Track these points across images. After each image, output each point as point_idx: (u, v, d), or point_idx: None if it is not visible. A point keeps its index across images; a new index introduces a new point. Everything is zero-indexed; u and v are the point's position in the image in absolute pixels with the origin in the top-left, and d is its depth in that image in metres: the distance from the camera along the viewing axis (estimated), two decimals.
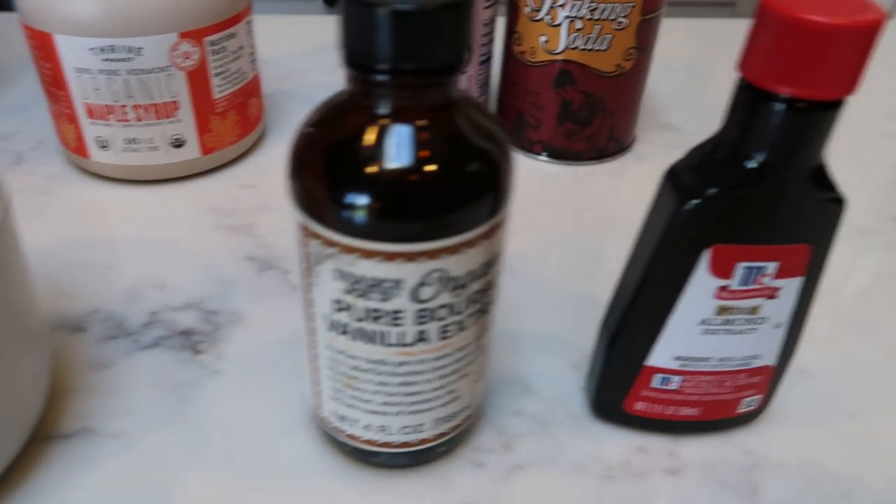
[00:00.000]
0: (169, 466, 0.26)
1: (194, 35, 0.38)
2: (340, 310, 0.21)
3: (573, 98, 0.43)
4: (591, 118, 0.43)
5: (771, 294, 0.23)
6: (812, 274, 0.23)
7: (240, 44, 0.41)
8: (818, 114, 0.20)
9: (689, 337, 0.25)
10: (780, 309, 0.24)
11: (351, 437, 0.25)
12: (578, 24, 0.40)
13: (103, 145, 0.40)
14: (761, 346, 0.25)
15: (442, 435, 0.25)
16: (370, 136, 0.19)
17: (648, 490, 0.26)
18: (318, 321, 0.22)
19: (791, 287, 0.23)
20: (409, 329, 0.21)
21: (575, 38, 0.40)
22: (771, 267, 0.23)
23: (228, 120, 0.42)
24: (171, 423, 0.28)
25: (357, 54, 0.18)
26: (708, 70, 0.59)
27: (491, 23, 0.43)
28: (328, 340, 0.22)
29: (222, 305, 0.33)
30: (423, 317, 0.21)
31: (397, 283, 0.20)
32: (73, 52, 0.37)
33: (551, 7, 0.40)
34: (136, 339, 0.31)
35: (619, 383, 0.27)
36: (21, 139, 0.46)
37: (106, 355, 0.30)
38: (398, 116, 0.19)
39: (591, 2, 0.39)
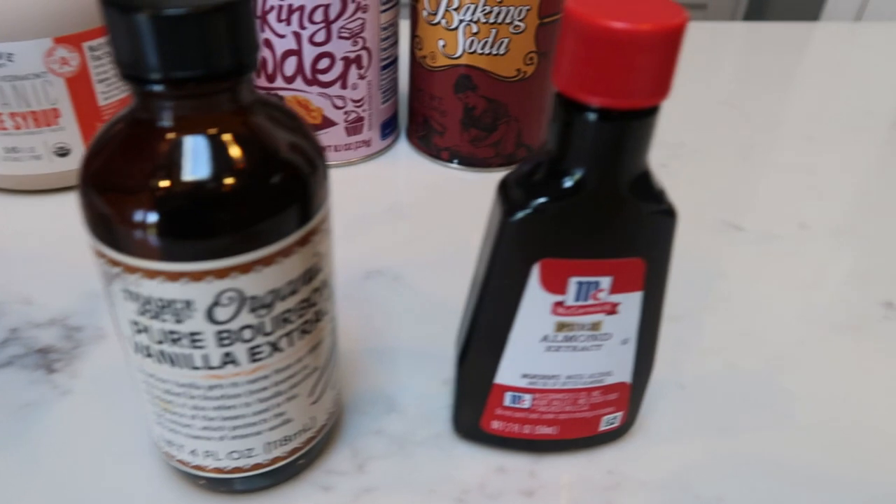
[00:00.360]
0: (1, 492, 0.25)
1: (71, 40, 0.36)
2: (139, 332, 0.20)
3: (475, 104, 0.42)
4: (495, 124, 0.43)
5: (610, 310, 0.23)
6: (652, 288, 0.22)
7: None
8: (632, 122, 0.19)
9: (533, 354, 0.24)
10: (623, 324, 0.23)
11: (181, 462, 0.24)
12: (474, 28, 0.39)
13: None
14: (611, 363, 0.24)
15: (278, 459, 0.24)
16: (145, 151, 0.18)
17: None
18: (126, 343, 0.21)
19: (631, 302, 0.23)
20: (213, 351, 0.20)
21: (472, 43, 0.40)
22: (605, 282, 0.22)
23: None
24: (9, 445, 0.26)
25: (126, 65, 0.17)
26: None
27: (391, 26, 0.42)
28: (138, 363, 0.21)
29: (88, 321, 0.32)
30: (225, 339, 0.20)
31: (188, 304, 0.19)
32: None
33: (446, 10, 0.39)
34: None
35: (473, 401, 0.26)
36: None
37: None
38: (179, 128, 0.18)
39: (485, 5, 0.38)
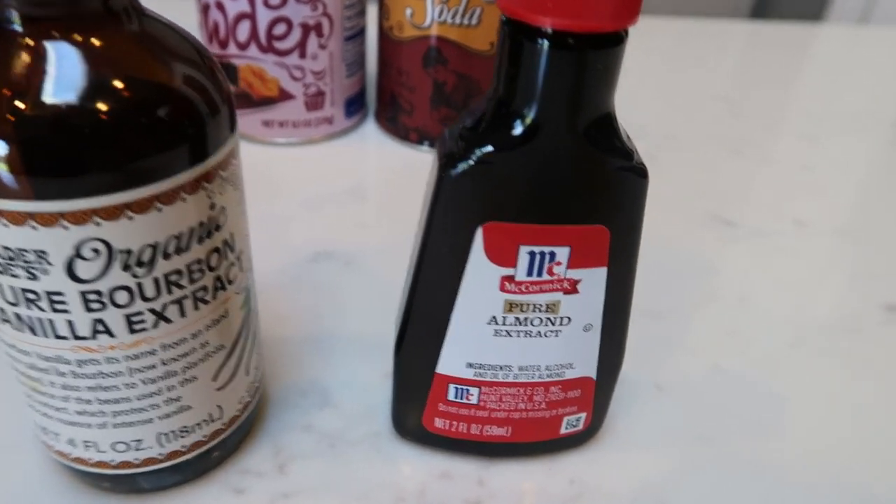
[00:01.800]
0: None
1: None
2: None
3: (446, 79, 0.38)
4: (467, 102, 0.39)
5: (570, 288, 0.19)
6: (618, 263, 0.19)
7: None
8: (592, 52, 0.16)
9: (479, 339, 0.20)
10: (585, 307, 0.20)
11: (59, 454, 0.20)
12: None
13: None
14: (572, 354, 0.21)
15: (177, 454, 0.20)
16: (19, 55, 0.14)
17: None
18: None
19: (594, 280, 0.19)
20: (80, 317, 0.16)
21: (442, 12, 0.36)
22: (562, 253, 0.18)
23: None
24: None
25: None
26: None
27: None
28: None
29: None
30: (94, 301, 0.16)
31: (41, 256, 0.15)
32: None
33: None
34: None
35: (413, 395, 0.22)
36: None
37: None
38: (26, 32, 0.14)
39: None
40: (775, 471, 0.24)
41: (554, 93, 0.16)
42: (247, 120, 0.40)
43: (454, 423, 0.22)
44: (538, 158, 0.17)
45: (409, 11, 0.37)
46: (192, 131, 0.16)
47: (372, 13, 0.42)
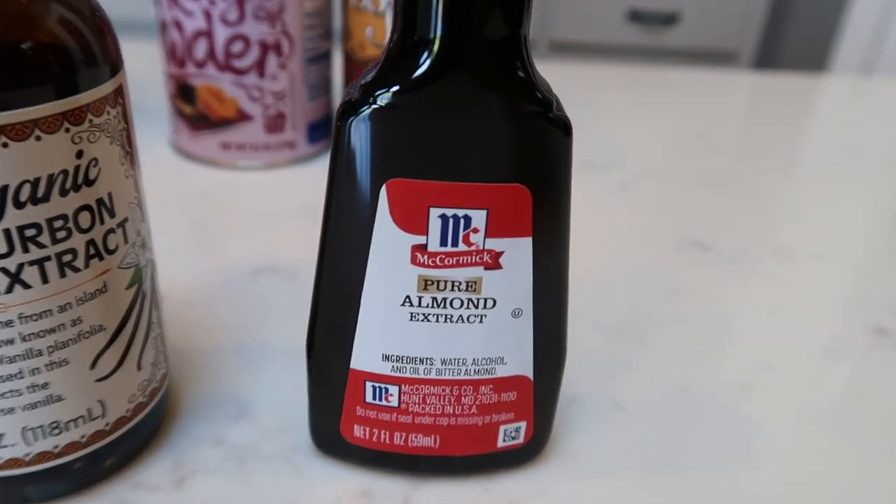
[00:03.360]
0: None
1: None
2: None
3: None
4: None
5: (491, 262, 0.17)
6: (545, 233, 0.17)
7: None
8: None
9: (395, 324, 0.18)
10: (511, 287, 0.17)
11: None
12: None
13: None
14: (502, 346, 0.18)
15: (47, 457, 0.18)
16: None
17: None
18: None
19: (518, 252, 0.17)
20: None
21: None
22: (479, 217, 0.16)
23: None
24: None
25: None
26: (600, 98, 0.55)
27: (319, 14, 0.38)
28: None
29: None
30: None
31: None
32: None
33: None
34: None
35: (328, 397, 0.20)
36: None
37: None
38: None
39: None
40: (746, 500, 0.21)
41: (454, 19, 0.15)
42: (205, 143, 0.39)
43: (374, 430, 0.20)
44: (443, 103, 0.15)
45: (369, 31, 0.36)
46: (54, 62, 0.14)
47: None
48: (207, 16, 0.35)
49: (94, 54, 0.15)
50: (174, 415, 0.22)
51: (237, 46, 0.36)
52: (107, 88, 0.16)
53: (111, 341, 0.18)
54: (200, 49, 0.36)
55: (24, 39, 0.14)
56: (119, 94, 0.16)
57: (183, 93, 0.38)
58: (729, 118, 0.55)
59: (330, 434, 0.20)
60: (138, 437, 0.20)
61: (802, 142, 0.51)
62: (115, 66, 0.16)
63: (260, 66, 0.37)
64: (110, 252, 0.17)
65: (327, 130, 0.42)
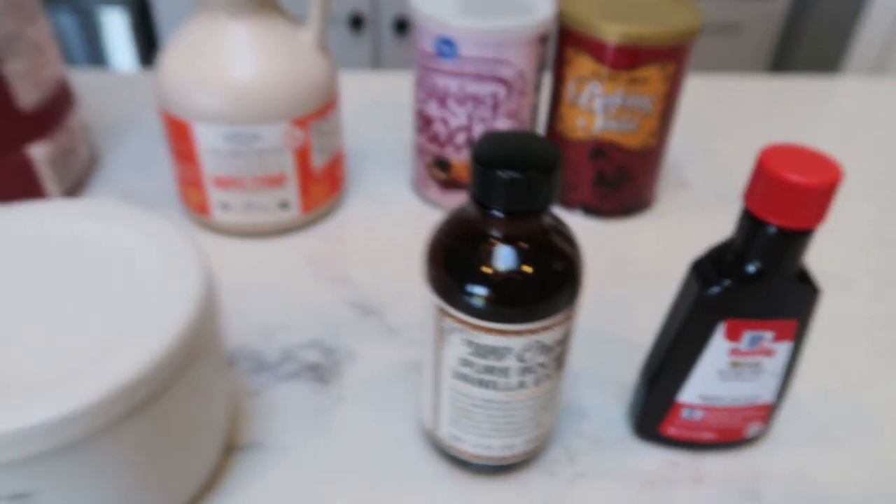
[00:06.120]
0: (316, 472, 0.35)
1: (301, 122, 0.47)
2: (465, 365, 0.30)
3: (607, 169, 0.52)
4: (620, 185, 0.52)
5: (769, 353, 0.32)
6: (798, 339, 0.32)
7: (333, 123, 0.50)
8: (797, 237, 0.29)
9: (710, 382, 0.33)
10: (775, 363, 0.33)
11: (461, 451, 0.34)
12: (612, 111, 0.49)
13: (224, 207, 0.49)
14: (762, 390, 0.34)
15: (527, 452, 0.34)
16: (488, 250, 0.28)
17: (679, 494, 0.35)
18: (445, 371, 0.31)
19: (783, 348, 0.32)
20: (514, 379, 0.30)
21: (608, 122, 0.49)
22: (769, 335, 0.32)
23: (322, 184, 0.51)
24: (315, 438, 0.37)
25: (480, 198, 0.27)
26: (721, 126, 0.68)
27: (536, 107, 0.52)
28: (452, 385, 0.31)
29: (337, 344, 0.42)
30: (524, 371, 0.30)
31: (508, 350, 0.29)
32: (206, 137, 0.46)
33: (590, 98, 0.49)
34: (275, 371, 0.40)
35: (656, 414, 0.36)
36: (143, 195, 0.55)
37: (255, 385, 0.39)
38: (506, 238, 0.28)
39: (625, 95, 0.48)
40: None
41: (773, 255, 0.29)
42: (452, 198, 0.53)
43: (682, 430, 0.36)
44: (761, 287, 0.30)
45: (582, 121, 0.50)
46: (578, 282, 0.29)
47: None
48: (470, 117, 0.49)
49: (580, 270, 0.30)
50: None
51: None
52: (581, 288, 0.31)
53: (558, 393, 0.34)
54: (460, 138, 0.50)
55: (562, 275, 0.29)
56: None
57: (439, 164, 0.52)
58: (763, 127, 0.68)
59: (651, 431, 0.36)
60: (548, 436, 0.36)
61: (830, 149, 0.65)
62: (583, 269, 0.31)
63: None
64: (568, 353, 0.32)
65: None
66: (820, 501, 0.35)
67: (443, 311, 0.29)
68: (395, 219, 0.54)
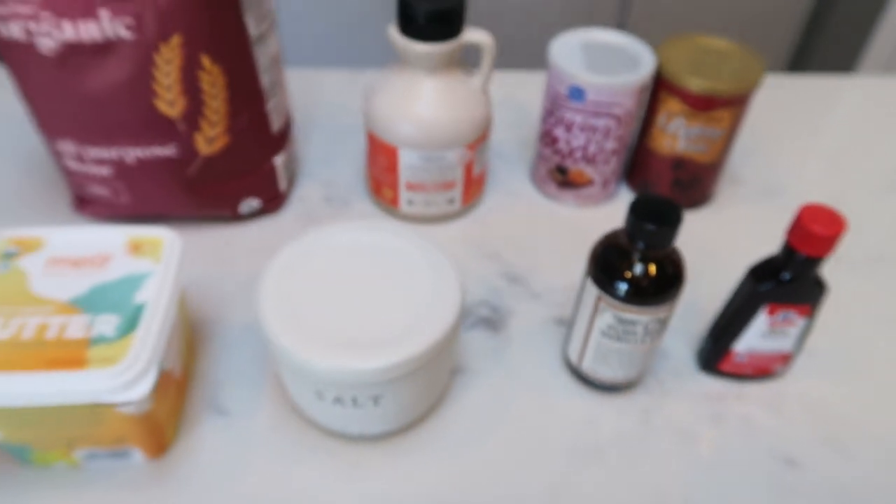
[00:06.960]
0: (500, 388, 0.57)
1: (470, 145, 0.66)
2: (610, 328, 0.51)
3: (683, 177, 0.71)
4: (692, 186, 0.72)
5: (792, 324, 0.53)
6: (811, 316, 0.52)
7: (488, 143, 0.69)
8: (815, 261, 0.49)
9: (754, 340, 0.54)
10: (796, 330, 0.53)
11: (596, 378, 0.55)
12: (692, 138, 0.67)
13: (410, 202, 0.69)
14: (786, 345, 0.55)
15: (635, 378, 0.55)
16: (631, 262, 0.48)
17: (728, 406, 0.56)
18: (595, 331, 0.52)
19: (802, 321, 0.53)
20: (639, 339, 0.51)
21: (688, 145, 0.68)
22: (793, 313, 0.52)
23: (477, 184, 0.71)
24: (496, 368, 0.58)
25: (631, 237, 0.47)
26: (771, 127, 0.86)
27: (635, 131, 0.70)
28: (598, 339, 0.52)
29: (500, 304, 0.63)
30: (646, 332, 0.50)
31: (638, 322, 0.49)
32: (407, 157, 0.65)
33: (675, 128, 0.68)
34: (463, 322, 0.61)
35: (717, 357, 0.57)
36: (340, 187, 0.75)
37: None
38: (642, 258, 0.48)
39: (702, 127, 0.66)
40: None
41: (803, 270, 0.49)
42: (566, 195, 0.73)
43: (733, 367, 0.57)
44: (793, 285, 0.50)
45: (668, 142, 0.69)
46: (681, 287, 0.50)
47: None
48: (587, 139, 0.68)
49: (684, 276, 0.50)
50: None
51: (600, 154, 0.69)
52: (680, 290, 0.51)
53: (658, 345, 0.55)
54: (578, 154, 0.69)
55: (680, 279, 0.49)
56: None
57: (559, 169, 0.72)
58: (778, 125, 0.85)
59: (712, 367, 0.57)
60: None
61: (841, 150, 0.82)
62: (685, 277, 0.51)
63: (606, 161, 0.70)
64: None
65: (619, 183, 0.76)
66: (821, 410, 0.56)
67: (599, 298, 0.50)
68: (524, 208, 0.74)
